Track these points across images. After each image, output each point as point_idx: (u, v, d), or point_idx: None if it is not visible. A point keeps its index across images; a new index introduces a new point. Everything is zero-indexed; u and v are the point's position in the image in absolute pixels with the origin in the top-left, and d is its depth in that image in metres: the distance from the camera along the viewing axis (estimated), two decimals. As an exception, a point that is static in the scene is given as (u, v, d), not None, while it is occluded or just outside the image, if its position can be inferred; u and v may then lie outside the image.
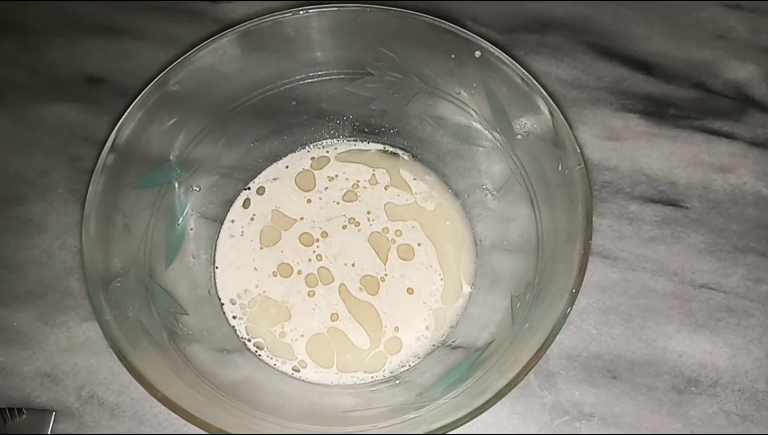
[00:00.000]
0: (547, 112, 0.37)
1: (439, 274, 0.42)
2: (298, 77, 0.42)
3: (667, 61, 0.52)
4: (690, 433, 0.39)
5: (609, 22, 0.53)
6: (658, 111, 0.50)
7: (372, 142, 0.47)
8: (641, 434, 0.39)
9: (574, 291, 0.31)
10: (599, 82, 0.51)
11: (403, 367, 0.39)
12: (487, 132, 0.41)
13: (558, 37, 0.53)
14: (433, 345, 0.40)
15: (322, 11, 0.39)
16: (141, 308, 0.34)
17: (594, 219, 0.45)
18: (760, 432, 0.39)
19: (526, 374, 0.29)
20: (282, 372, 0.39)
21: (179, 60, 0.38)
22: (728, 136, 0.48)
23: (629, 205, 0.46)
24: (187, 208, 0.41)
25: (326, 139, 0.47)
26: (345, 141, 0.47)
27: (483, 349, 0.36)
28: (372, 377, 0.39)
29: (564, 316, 0.30)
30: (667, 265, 0.44)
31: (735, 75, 0.51)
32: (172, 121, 0.39)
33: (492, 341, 0.36)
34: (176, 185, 0.40)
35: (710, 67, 0.51)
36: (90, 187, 0.35)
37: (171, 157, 0.40)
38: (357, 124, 0.46)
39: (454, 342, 0.40)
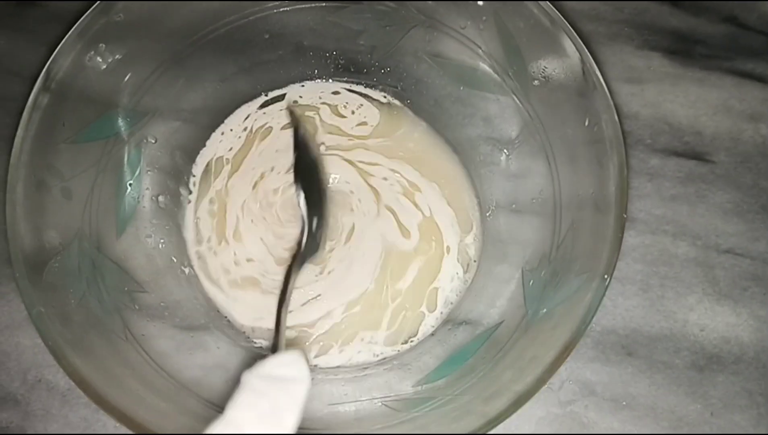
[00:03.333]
0: (574, 55, 0.30)
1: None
2: (271, 4, 0.35)
3: (696, -10, 0.45)
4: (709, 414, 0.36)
5: (631, -60, 0.46)
6: (684, 49, 0.44)
7: (358, 84, 0.40)
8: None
9: (606, 277, 0.26)
10: (619, 13, 0.44)
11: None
12: (496, 75, 0.35)
13: (573, -43, 0.46)
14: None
15: None
16: (87, 292, 0.28)
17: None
18: (780, 409, 0.36)
19: (551, 376, 0.25)
20: (259, 351, 0.34)
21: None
22: (761, 79, 0.43)
23: (650, 158, 0.41)
24: (141, 164, 0.34)
25: (306, 79, 0.40)
26: (328, 81, 0.40)
27: (491, 331, 0.32)
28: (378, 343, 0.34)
29: (595, 308, 0.26)
30: (689, 228, 0.39)
31: (772, 7, 0.45)
32: (118, 57, 0.32)
33: (501, 322, 0.31)
34: (125, 137, 0.33)
35: (744, -2, 0.45)
36: (15, 143, 0.29)
37: (118, 102, 0.33)
38: (341, 61, 0.39)
39: (458, 316, 0.35)
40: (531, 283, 0.32)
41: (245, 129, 0.39)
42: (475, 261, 0.37)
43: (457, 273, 0.37)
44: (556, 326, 0.27)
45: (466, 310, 0.35)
